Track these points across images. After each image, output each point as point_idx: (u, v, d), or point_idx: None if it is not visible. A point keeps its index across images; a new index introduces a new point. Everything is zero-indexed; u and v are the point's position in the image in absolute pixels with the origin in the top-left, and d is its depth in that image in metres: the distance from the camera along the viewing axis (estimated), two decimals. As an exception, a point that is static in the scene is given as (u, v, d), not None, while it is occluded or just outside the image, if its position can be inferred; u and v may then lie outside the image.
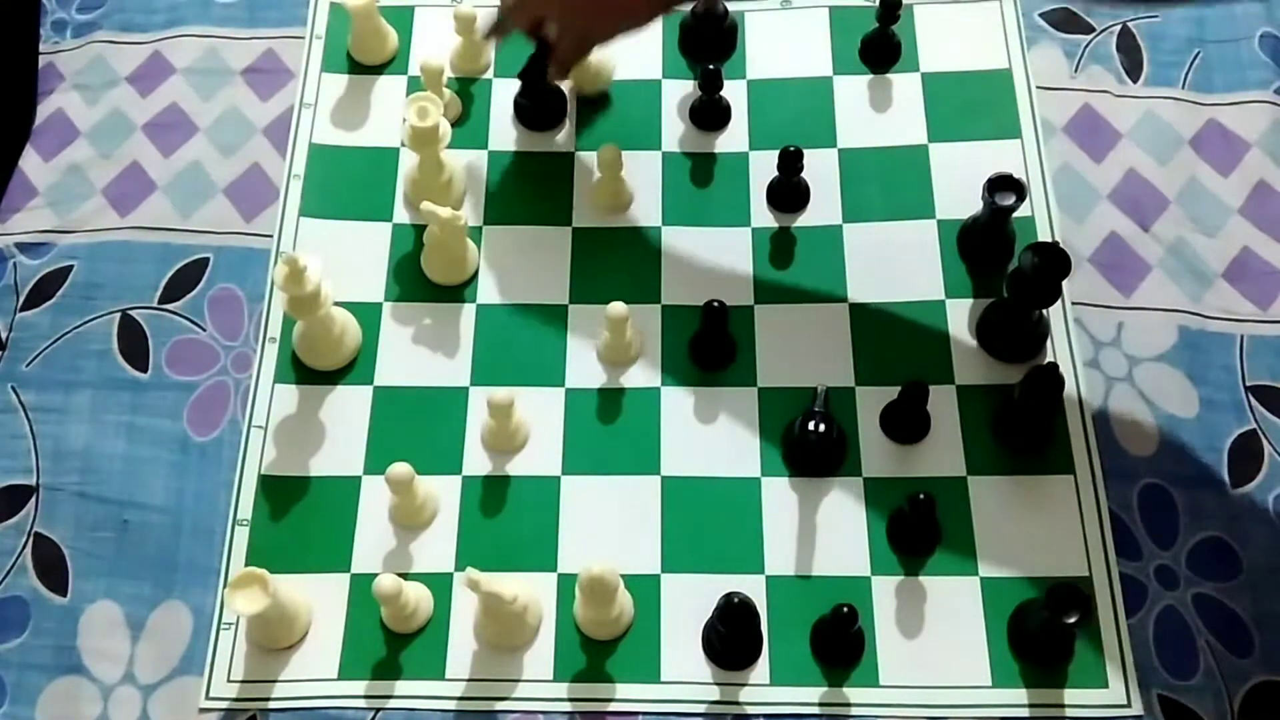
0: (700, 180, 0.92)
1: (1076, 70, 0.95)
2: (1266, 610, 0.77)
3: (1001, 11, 0.97)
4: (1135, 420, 0.82)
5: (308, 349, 0.84)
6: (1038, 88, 0.94)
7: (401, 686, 0.75)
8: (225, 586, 0.77)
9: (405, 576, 0.77)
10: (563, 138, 0.93)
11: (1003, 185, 0.83)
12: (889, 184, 0.91)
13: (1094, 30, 0.97)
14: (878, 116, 0.93)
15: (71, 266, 0.88)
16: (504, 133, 0.94)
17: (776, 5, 0.99)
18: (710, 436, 0.82)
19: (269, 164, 0.92)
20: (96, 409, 0.84)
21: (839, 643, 0.75)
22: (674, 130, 0.93)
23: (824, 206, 0.90)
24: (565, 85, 0.93)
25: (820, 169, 0.90)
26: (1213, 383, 0.83)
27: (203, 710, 0.75)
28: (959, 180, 0.89)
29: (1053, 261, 0.77)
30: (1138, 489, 0.80)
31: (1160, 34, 0.96)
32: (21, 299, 0.87)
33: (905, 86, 0.95)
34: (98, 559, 0.79)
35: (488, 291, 0.88)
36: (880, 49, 0.95)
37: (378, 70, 0.96)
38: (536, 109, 0.93)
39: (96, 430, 0.83)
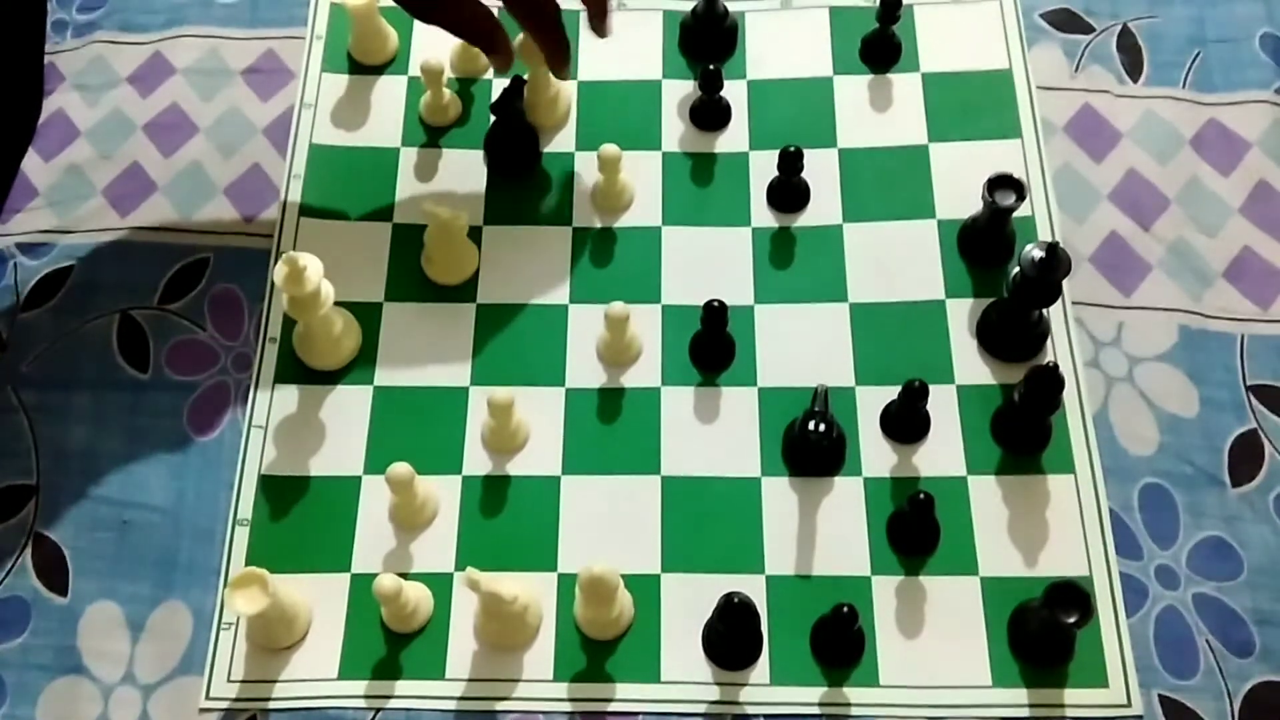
0: (700, 180, 0.92)
1: (1077, 70, 0.95)
2: (1266, 610, 0.77)
3: (1001, 11, 0.97)
4: (1135, 420, 0.82)
5: (308, 349, 0.84)
6: (1038, 88, 0.94)
7: (401, 686, 0.75)
8: (225, 586, 0.77)
9: (405, 576, 0.77)
10: (563, 138, 0.93)
11: (1003, 185, 0.83)
12: (889, 184, 0.91)
13: (1094, 30, 0.97)
14: (878, 116, 0.93)
15: (72, 267, 0.88)
16: (504, 133, 0.94)
17: (776, 5, 0.99)
18: (710, 436, 0.82)
19: (269, 164, 0.92)
20: (96, 409, 0.84)
21: (839, 643, 0.75)
22: (674, 130, 0.93)
23: (824, 206, 0.90)
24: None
25: (820, 169, 0.90)
26: (1213, 382, 0.83)
27: (203, 710, 0.75)
28: (959, 180, 0.89)
29: (1053, 261, 0.77)
30: (1138, 489, 0.80)
31: (1160, 34, 0.96)
32: (22, 299, 0.87)
33: (905, 86, 0.94)
34: (98, 559, 0.79)
35: (488, 291, 0.88)
36: (880, 49, 0.95)
37: (378, 70, 0.96)
38: (506, 152, 0.92)
39: (96, 430, 0.83)
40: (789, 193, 0.90)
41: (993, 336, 0.84)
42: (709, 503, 0.80)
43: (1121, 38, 0.96)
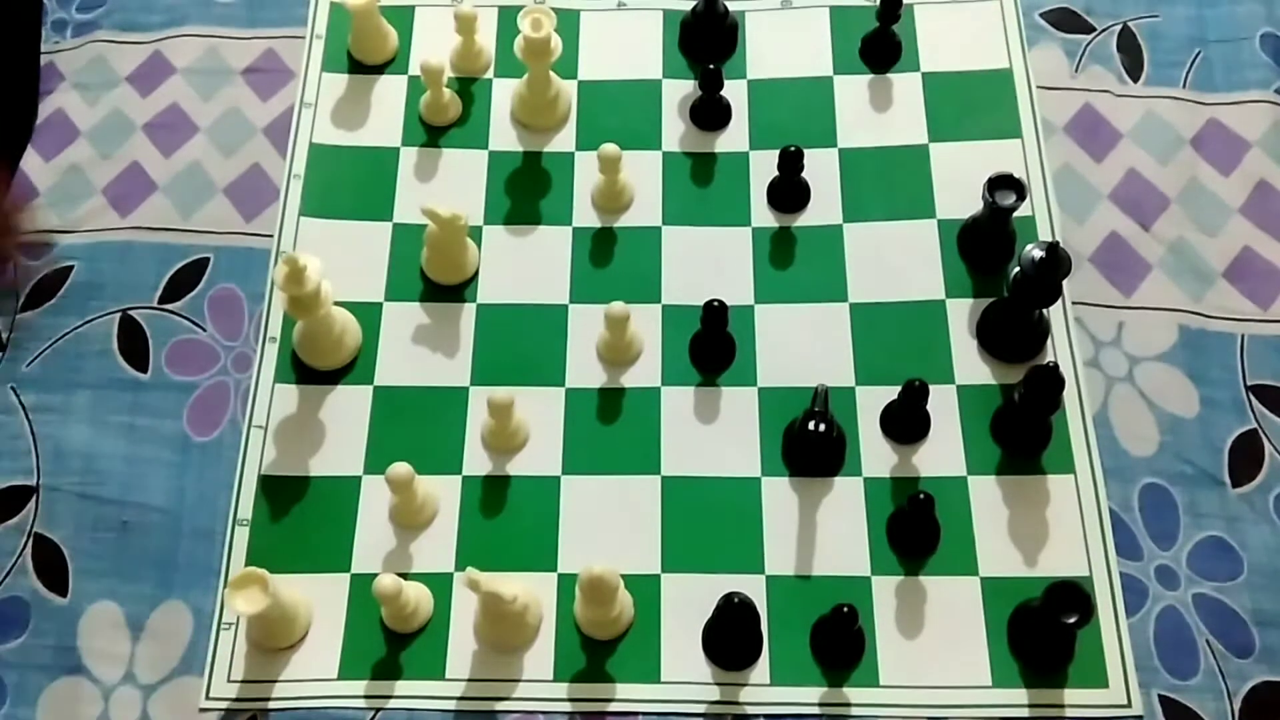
0: (700, 180, 0.92)
1: (1077, 70, 0.95)
2: (1266, 610, 0.77)
3: (1002, 11, 0.97)
4: (1135, 420, 0.82)
5: (308, 349, 0.84)
6: (1038, 87, 0.94)
7: (401, 686, 0.75)
8: (225, 586, 0.77)
9: (405, 576, 0.77)
10: (563, 138, 0.93)
11: (1003, 185, 0.83)
12: (889, 184, 0.91)
13: (1094, 30, 0.96)
14: (878, 116, 0.93)
15: (72, 267, 0.88)
16: (504, 133, 0.93)
17: (777, 5, 0.98)
18: (710, 436, 0.82)
19: (269, 164, 0.92)
20: (96, 409, 0.84)
21: (839, 643, 0.75)
22: (674, 130, 0.93)
23: (824, 206, 0.90)
24: None
25: (820, 169, 0.90)
26: (1213, 382, 0.83)
27: (203, 710, 0.75)
28: (959, 180, 0.89)
29: (1053, 261, 0.77)
30: (1138, 489, 0.80)
31: (1160, 34, 0.96)
32: (22, 299, 0.87)
33: (905, 86, 0.94)
34: (98, 559, 0.79)
35: (488, 291, 0.88)
36: (880, 49, 0.95)
37: (378, 70, 0.96)
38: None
39: (96, 430, 0.83)
40: (789, 192, 0.90)
41: (993, 336, 0.84)
42: (709, 503, 0.80)
43: (1122, 37, 0.96)
